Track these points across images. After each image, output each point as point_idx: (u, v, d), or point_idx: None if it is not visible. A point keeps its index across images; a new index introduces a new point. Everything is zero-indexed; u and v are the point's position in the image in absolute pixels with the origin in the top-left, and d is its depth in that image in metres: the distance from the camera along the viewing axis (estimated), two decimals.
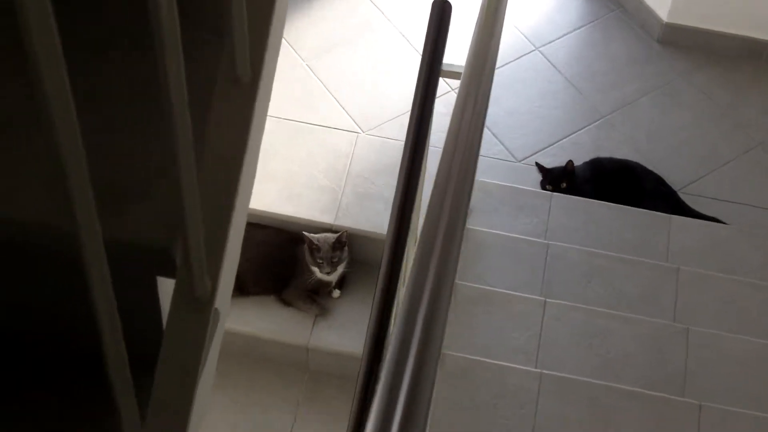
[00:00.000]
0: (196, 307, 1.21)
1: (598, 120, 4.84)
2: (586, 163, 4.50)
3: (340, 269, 3.95)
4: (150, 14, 0.88)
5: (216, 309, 1.25)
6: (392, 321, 2.33)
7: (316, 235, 3.91)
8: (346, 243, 3.95)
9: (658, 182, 4.49)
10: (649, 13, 5.17)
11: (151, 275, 1.30)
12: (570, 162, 4.36)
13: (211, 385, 1.40)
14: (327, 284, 4.01)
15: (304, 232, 3.91)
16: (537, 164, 4.43)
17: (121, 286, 1.33)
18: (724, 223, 4.37)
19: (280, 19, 1.44)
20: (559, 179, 4.37)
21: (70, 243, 0.87)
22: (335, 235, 3.91)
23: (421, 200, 3.35)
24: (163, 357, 1.19)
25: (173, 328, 1.20)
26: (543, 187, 4.42)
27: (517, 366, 3.46)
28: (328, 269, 3.89)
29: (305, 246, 3.91)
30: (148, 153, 1.27)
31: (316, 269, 3.90)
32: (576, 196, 4.33)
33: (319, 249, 3.87)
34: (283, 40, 4.91)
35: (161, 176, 1.20)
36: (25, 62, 0.75)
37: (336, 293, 4.06)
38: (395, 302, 2.31)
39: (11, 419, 1.35)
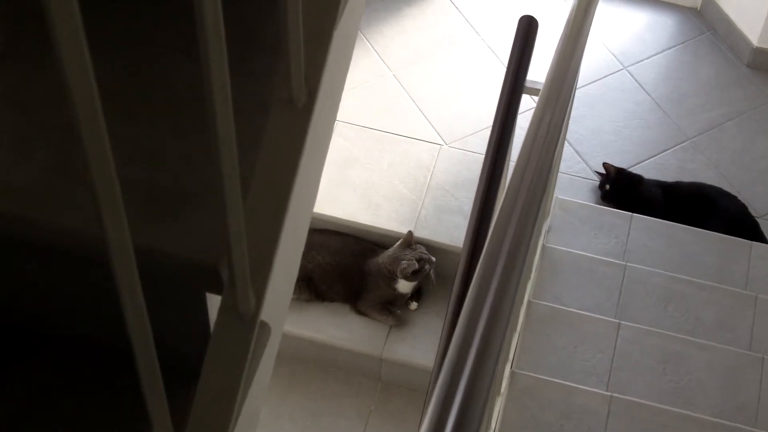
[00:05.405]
0: (239, 322, 1.21)
1: (683, 142, 4.79)
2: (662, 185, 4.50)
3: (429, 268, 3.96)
4: (197, 28, 0.88)
5: (264, 323, 1.25)
6: None
7: (405, 262, 3.89)
8: (413, 240, 3.97)
9: (734, 204, 4.46)
10: (740, 36, 5.10)
11: (200, 291, 1.30)
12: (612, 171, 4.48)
13: (261, 400, 1.40)
14: (403, 296, 4.00)
15: (399, 271, 3.89)
16: (604, 164, 4.48)
17: (172, 301, 1.34)
18: None
19: (346, 35, 1.43)
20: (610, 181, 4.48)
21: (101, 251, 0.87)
22: (402, 245, 3.92)
23: None
24: (205, 374, 1.19)
25: (217, 344, 1.20)
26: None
27: (587, 388, 3.44)
28: (430, 266, 3.93)
29: (404, 272, 3.89)
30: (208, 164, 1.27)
31: (405, 282, 3.92)
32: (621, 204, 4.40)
33: (418, 269, 3.87)
34: (371, 49, 4.95)
35: (216, 191, 1.21)
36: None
37: (413, 305, 4.04)
38: None
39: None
